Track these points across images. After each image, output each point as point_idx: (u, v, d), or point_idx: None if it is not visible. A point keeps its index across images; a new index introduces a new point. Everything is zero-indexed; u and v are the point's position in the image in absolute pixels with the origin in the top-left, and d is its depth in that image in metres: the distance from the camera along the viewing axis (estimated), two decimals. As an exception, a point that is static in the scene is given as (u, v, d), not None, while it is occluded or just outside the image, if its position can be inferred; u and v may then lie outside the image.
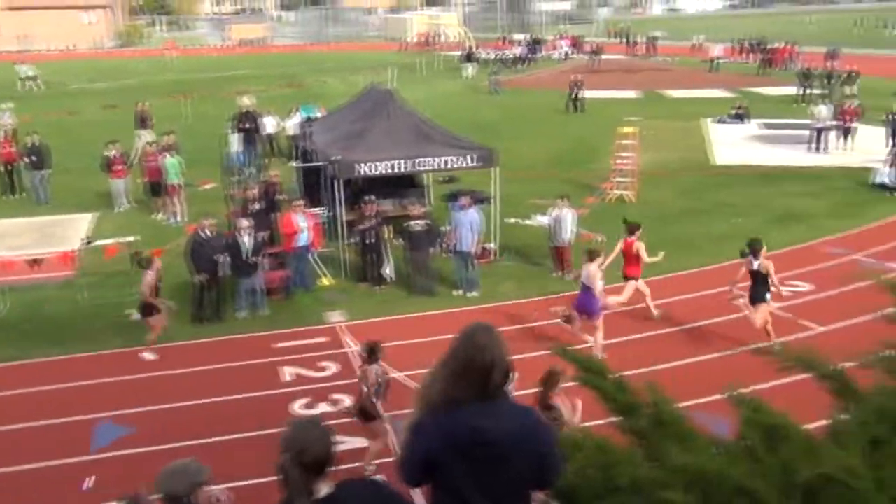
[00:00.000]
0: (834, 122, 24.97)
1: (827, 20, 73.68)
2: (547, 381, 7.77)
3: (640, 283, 13.10)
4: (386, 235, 15.08)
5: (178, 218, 18.97)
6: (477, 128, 27.75)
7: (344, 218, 15.24)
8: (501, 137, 26.71)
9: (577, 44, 60.96)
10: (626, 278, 13.07)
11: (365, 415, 8.72)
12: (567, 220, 14.88)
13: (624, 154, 20.83)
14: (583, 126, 30.42)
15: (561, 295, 14.22)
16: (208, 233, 13.17)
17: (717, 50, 49.28)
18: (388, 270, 14.88)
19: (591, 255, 11.81)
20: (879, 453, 2.95)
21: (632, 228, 13.09)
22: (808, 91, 34.57)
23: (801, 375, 4.01)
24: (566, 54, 58.63)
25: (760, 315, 11.46)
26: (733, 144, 26.55)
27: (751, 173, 22.50)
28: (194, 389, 10.93)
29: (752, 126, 29.59)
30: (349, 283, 14.99)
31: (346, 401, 10.52)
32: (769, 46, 48.67)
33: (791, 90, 36.38)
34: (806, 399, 4.12)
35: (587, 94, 37.76)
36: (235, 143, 22.77)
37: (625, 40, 63.36)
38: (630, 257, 13.00)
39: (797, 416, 3.53)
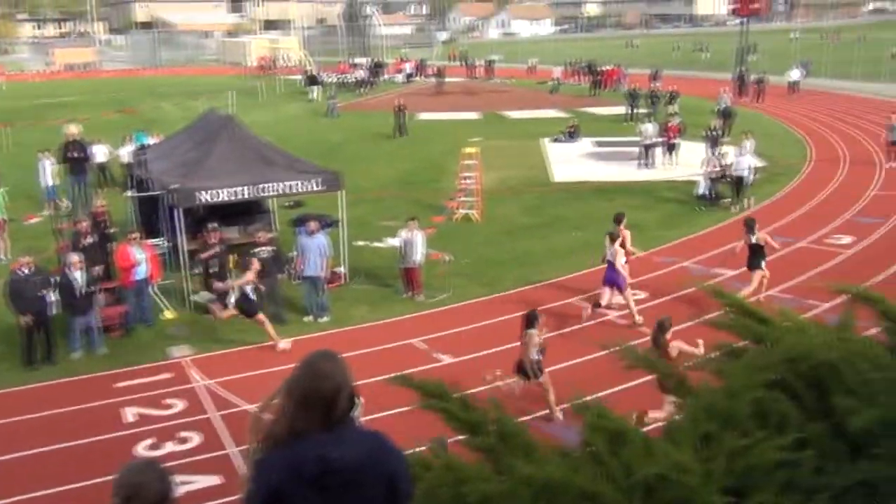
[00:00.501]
0: (659, 139, 26.56)
1: (650, 44, 78.67)
2: (659, 330, 9.82)
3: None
4: (231, 264, 14.66)
5: (2, 255, 17.71)
6: (322, 151, 27.64)
7: (186, 248, 14.68)
8: (347, 160, 26.67)
9: (420, 67, 61.88)
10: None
11: (526, 374, 10.32)
12: (417, 242, 15.06)
13: (468, 174, 21.28)
14: (427, 147, 30.87)
15: (407, 316, 14.33)
16: (26, 270, 12.37)
17: (557, 72, 51.40)
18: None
19: (612, 237, 14.04)
20: (709, 448, 3.13)
21: (618, 218, 14.94)
22: (634, 110, 36.63)
23: (642, 379, 4.21)
24: (408, 77, 59.42)
25: (756, 279, 14.28)
26: (570, 162, 27.71)
27: (587, 189, 23.56)
28: (26, 439, 10.16)
29: (586, 144, 31.01)
30: (194, 315, 14.46)
31: (196, 438, 10.12)
32: (599, 69, 51.18)
33: (620, 110, 38.42)
34: (646, 402, 4.33)
35: (428, 115, 38.46)
36: (47, 173, 21.46)
37: (464, 63, 64.96)
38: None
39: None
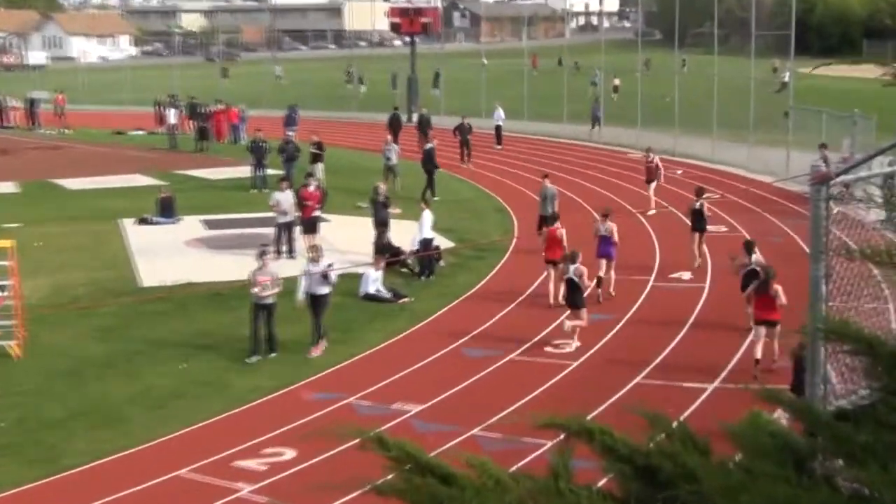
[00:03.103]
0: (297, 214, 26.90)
1: (288, 72, 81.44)
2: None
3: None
4: None
5: None
6: None
7: None
8: None
9: None
10: (550, 262, 22.67)
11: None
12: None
13: (1, 282, 20.38)
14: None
15: None
16: None
17: (172, 116, 50.79)
18: None
19: (606, 214, 23.61)
20: None
21: (554, 216, 24.35)
22: (263, 171, 37.37)
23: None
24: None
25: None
26: (169, 254, 27.58)
27: (196, 295, 23.52)
28: None
29: (192, 226, 31.09)
30: None
31: None
32: (207, 110, 51.65)
33: (243, 171, 39.18)
34: None
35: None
36: None
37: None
38: (554, 243, 22.94)
39: None
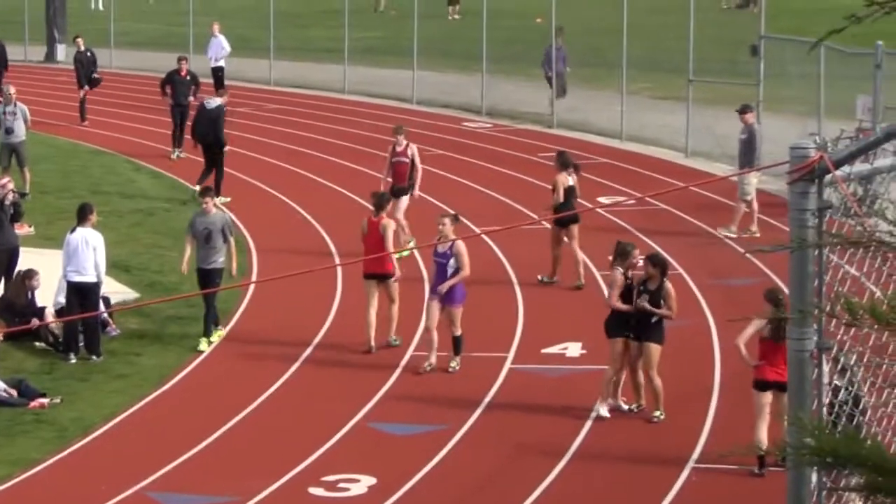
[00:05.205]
0: None
1: None
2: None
3: None
4: None
5: None
6: None
7: None
8: None
9: None
10: (371, 277, 22.76)
11: None
12: None
13: None
14: None
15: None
16: None
17: None
18: None
19: (454, 216, 22.79)
20: None
21: (382, 200, 23.60)
22: None
23: None
24: None
25: None
26: None
27: None
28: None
29: None
30: None
31: None
32: None
33: None
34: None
35: None
36: None
37: None
38: (376, 244, 22.75)
39: None
